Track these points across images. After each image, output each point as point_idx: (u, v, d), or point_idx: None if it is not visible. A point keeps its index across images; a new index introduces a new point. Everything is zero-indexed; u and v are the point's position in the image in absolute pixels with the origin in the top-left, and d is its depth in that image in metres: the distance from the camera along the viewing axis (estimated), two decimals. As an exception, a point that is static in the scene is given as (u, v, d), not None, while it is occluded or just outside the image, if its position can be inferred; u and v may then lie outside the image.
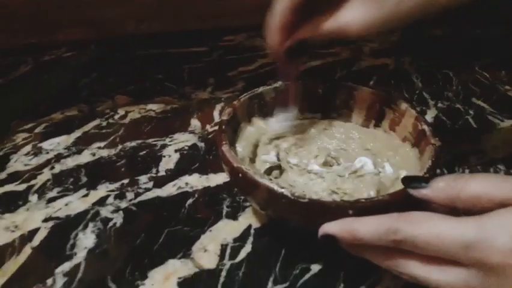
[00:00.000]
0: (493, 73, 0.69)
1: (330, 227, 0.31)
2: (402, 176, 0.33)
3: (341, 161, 0.43)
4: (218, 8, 0.84)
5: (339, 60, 0.75)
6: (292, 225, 0.37)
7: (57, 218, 0.43)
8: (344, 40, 0.74)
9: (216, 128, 0.57)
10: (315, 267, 0.38)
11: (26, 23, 0.78)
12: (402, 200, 0.32)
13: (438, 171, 0.46)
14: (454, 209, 0.29)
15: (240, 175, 0.34)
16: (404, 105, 0.43)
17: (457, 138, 0.54)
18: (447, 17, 0.84)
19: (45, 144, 0.54)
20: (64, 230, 0.42)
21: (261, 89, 0.46)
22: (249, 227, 0.42)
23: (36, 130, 0.57)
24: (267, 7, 0.76)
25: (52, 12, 0.78)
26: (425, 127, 0.39)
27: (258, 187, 0.34)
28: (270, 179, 0.34)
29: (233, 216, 0.43)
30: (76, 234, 0.41)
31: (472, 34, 0.83)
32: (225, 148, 0.37)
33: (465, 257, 0.25)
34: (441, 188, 0.30)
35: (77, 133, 0.56)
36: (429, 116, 0.59)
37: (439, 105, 0.61)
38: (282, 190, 0.32)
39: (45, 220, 0.43)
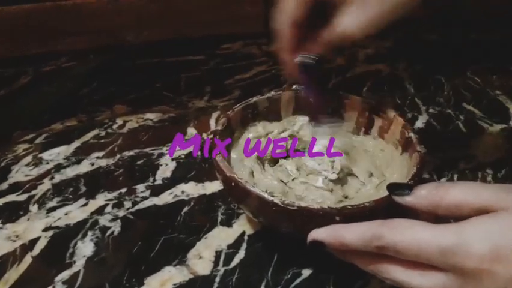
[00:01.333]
0: (484, 78, 0.70)
1: (318, 233, 0.32)
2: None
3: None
4: (215, 16, 0.85)
5: (334, 66, 0.76)
6: (284, 231, 0.38)
7: (57, 227, 0.45)
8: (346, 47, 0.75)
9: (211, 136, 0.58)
10: (306, 272, 0.39)
11: (26, 33, 0.80)
12: (388, 207, 0.33)
13: (427, 176, 0.48)
14: (437, 216, 0.30)
15: (233, 184, 0.36)
16: (392, 113, 0.44)
17: (447, 143, 0.55)
18: (439, 22, 0.86)
19: (46, 155, 0.55)
20: (63, 239, 0.43)
21: (254, 98, 0.47)
22: (243, 233, 0.43)
23: (37, 141, 0.58)
24: (263, 15, 0.77)
25: (52, 23, 0.79)
26: (412, 135, 0.41)
27: (250, 195, 0.35)
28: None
29: (227, 223, 0.44)
30: (75, 243, 0.43)
31: (464, 39, 0.84)
32: (219, 158, 0.38)
33: (442, 263, 0.26)
34: (423, 195, 0.31)
35: (77, 143, 0.58)
36: (421, 122, 0.60)
37: (430, 110, 0.62)
38: (272, 198, 0.33)
39: (46, 229, 0.44)
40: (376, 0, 0.36)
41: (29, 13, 0.78)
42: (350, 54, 0.79)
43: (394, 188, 0.33)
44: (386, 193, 0.33)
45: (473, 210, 0.28)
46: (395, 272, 0.29)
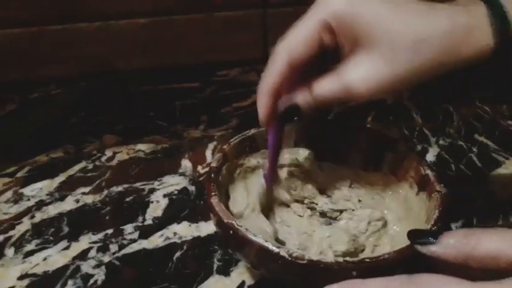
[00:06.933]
0: (493, 107, 0.67)
1: (332, 291, 0.28)
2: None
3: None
4: (210, 43, 0.82)
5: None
6: (289, 284, 0.34)
7: (34, 274, 0.40)
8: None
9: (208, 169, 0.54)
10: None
11: (13, 59, 0.76)
12: (409, 257, 0.29)
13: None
14: (463, 267, 0.26)
15: (231, 232, 0.31)
16: (404, 147, 0.41)
17: (462, 178, 0.51)
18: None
19: (27, 190, 0.51)
20: (40, 289, 0.38)
21: (252, 131, 0.43)
22: (242, 284, 0.38)
23: (19, 174, 0.54)
24: (260, 42, 0.74)
25: (40, 49, 0.76)
26: (429, 172, 0.37)
27: (251, 245, 0.31)
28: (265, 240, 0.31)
29: (224, 271, 0.40)
30: (53, 294, 0.38)
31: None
32: (214, 201, 0.34)
33: None
34: (451, 244, 0.27)
35: (62, 177, 0.53)
36: (432, 154, 0.56)
37: (441, 142, 0.59)
38: (278, 250, 0.29)
39: (21, 277, 0.39)
40: (409, 50, 0.29)
41: (15, 38, 0.74)
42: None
43: (416, 236, 0.29)
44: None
45: (510, 264, 0.24)
46: None
